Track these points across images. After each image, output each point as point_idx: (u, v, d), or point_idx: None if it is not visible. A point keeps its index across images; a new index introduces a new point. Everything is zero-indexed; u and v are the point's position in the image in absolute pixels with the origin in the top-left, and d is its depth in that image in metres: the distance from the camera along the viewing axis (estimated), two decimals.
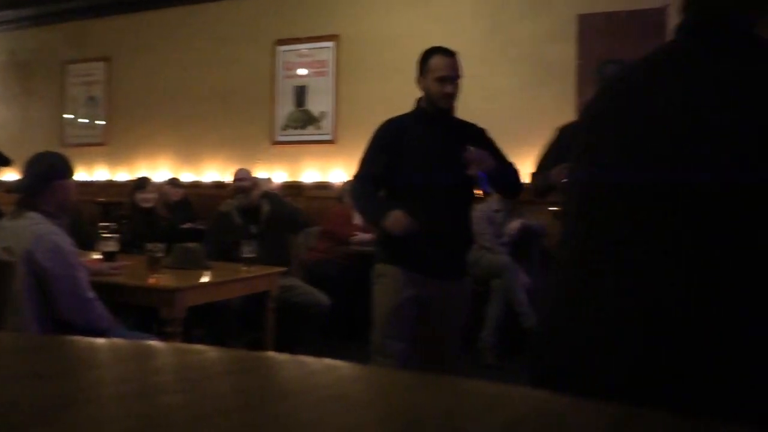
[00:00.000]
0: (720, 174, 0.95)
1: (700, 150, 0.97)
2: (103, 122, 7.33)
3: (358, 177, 2.64)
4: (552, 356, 1.13)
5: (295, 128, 6.25)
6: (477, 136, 2.65)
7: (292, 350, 3.55)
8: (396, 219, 2.40)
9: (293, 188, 6.03)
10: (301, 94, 6.23)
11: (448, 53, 2.53)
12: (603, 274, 1.05)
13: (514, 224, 4.67)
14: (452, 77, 2.50)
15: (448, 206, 2.55)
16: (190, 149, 6.73)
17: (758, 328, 0.97)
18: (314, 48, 6.16)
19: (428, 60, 2.52)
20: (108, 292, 2.72)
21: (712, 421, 0.37)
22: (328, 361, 0.45)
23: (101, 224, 3.60)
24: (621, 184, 1.05)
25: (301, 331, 4.07)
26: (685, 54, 1.06)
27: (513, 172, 2.65)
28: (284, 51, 6.29)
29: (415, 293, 2.53)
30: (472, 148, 2.44)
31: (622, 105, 1.10)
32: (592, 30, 5.25)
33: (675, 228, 0.98)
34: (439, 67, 2.49)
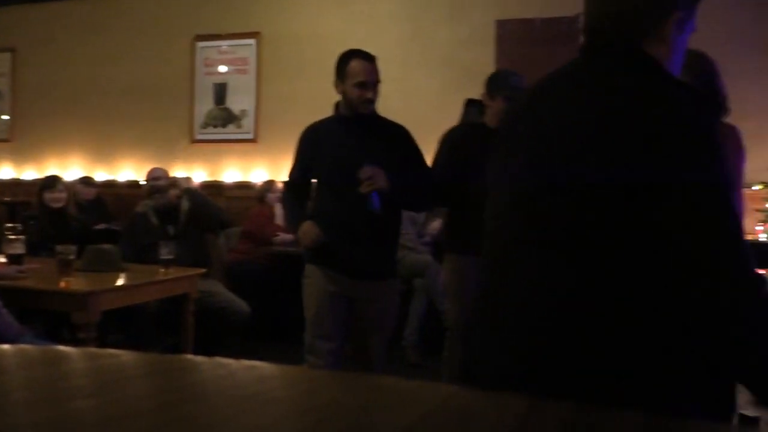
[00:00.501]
0: (601, 177, 1.03)
1: (586, 156, 1.06)
2: (8, 117, 6.94)
3: (285, 184, 2.80)
4: (468, 351, 1.25)
5: (215, 126, 6.12)
6: (399, 137, 2.65)
7: (213, 354, 3.48)
8: (304, 231, 2.53)
9: (213, 188, 5.90)
10: (221, 91, 6.11)
11: (368, 57, 2.50)
12: (508, 271, 1.16)
13: (436, 224, 4.75)
14: (372, 82, 2.49)
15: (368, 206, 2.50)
16: (103, 147, 6.47)
17: (640, 324, 1.06)
18: (235, 45, 6.06)
19: (347, 64, 2.48)
20: (15, 297, 2.59)
21: (606, 409, 0.40)
22: (243, 361, 0.46)
23: (7, 225, 3.42)
24: (522, 187, 1.15)
25: (222, 336, 4.01)
26: (582, 71, 1.18)
27: (425, 185, 2.63)
28: (204, 47, 6.15)
29: (340, 293, 2.55)
30: (366, 167, 2.42)
31: (525, 117, 1.22)
32: (509, 35, 5.42)
33: (566, 228, 1.07)
34: (358, 72, 2.46)
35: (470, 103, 3.01)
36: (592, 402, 0.39)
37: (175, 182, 4.22)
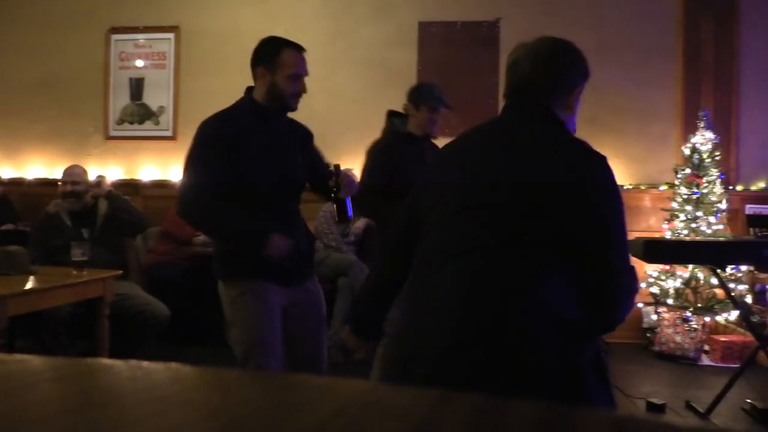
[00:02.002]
0: (535, 195, 1.41)
1: (503, 185, 1.44)
2: None
3: (194, 190, 2.24)
4: (408, 349, 1.43)
5: (132, 123, 5.91)
6: (307, 137, 2.53)
7: (129, 359, 3.37)
8: (279, 244, 2.20)
9: (129, 186, 5.70)
10: (137, 86, 5.91)
11: (300, 48, 2.34)
12: (446, 269, 1.40)
13: (359, 223, 4.78)
14: (303, 75, 2.33)
15: (292, 207, 2.41)
16: (10, 142, 6.13)
17: (550, 323, 1.34)
18: (152, 39, 5.87)
19: (279, 53, 2.28)
20: None
21: (511, 400, 0.42)
22: (156, 363, 0.45)
23: None
24: (449, 204, 1.49)
25: (138, 340, 3.87)
26: (506, 123, 1.59)
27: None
28: (119, 40, 5.92)
29: (282, 305, 2.34)
30: (345, 170, 2.37)
31: (465, 152, 1.60)
32: (431, 37, 5.50)
33: (482, 238, 1.40)
34: (293, 64, 2.28)
35: (393, 115, 3.11)
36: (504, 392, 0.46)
37: (98, 183, 4.05)
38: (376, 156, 2.95)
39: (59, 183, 4.00)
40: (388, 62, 5.41)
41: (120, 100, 5.91)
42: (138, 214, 4.16)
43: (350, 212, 2.45)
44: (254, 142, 2.28)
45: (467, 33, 5.45)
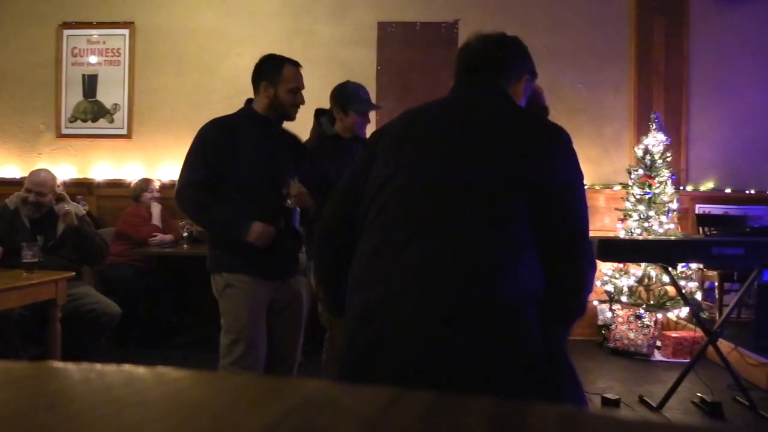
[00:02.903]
0: (501, 175, 1.37)
1: (468, 159, 1.40)
2: None
3: (190, 183, 2.44)
4: (353, 344, 1.35)
5: (85, 120, 5.77)
6: (302, 149, 2.76)
7: (81, 360, 3.28)
8: (261, 232, 2.39)
9: (82, 186, 5.57)
10: (91, 83, 5.77)
11: (298, 65, 2.62)
12: (409, 246, 1.33)
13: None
14: (302, 88, 2.60)
15: (279, 206, 2.55)
16: None
17: (522, 315, 1.31)
18: (106, 35, 5.74)
19: (281, 69, 2.53)
20: None
21: (465, 396, 0.43)
22: (108, 365, 0.44)
23: None
24: (409, 179, 1.41)
25: (90, 340, 3.77)
26: (461, 99, 1.58)
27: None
28: (72, 35, 5.77)
29: (268, 299, 2.53)
30: (295, 182, 2.52)
31: (418, 128, 1.52)
32: (390, 38, 5.52)
33: (454, 214, 1.35)
34: (293, 78, 2.55)
35: (321, 114, 3.10)
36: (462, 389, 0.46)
37: (66, 214, 3.63)
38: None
39: (25, 189, 3.70)
40: (347, 62, 5.40)
41: (73, 97, 5.77)
42: (101, 250, 3.83)
43: (296, 223, 2.61)
44: (251, 147, 2.49)
45: (426, 34, 5.49)
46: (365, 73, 5.36)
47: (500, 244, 1.31)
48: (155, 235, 4.74)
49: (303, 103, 2.61)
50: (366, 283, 1.37)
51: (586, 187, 5.49)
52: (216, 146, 2.45)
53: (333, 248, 1.59)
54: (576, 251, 1.40)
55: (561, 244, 1.38)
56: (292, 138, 2.73)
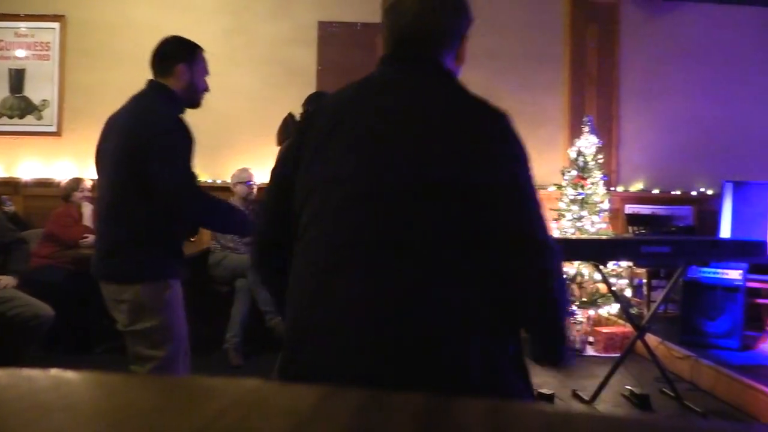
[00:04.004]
0: (442, 175, 1.17)
1: (427, 158, 1.19)
2: None
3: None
4: (299, 352, 1.23)
5: (11, 117, 5.53)
6: None
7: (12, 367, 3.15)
8: None
9: (9, 185, 5.34)
10: (18, 78, 5.54)
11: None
12: (336, 271, 1.19)
13: None
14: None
15: None
16: None
17: (480, 306, 1.18)
18: (35, 28, 5.52)
19: (199, 54, 2.41)
20: None
21: (396, 393, 0.44)
22: (37, 370, 0.43)
23: None
24: (331, 193, 1.23)
25: (21, 344, 3.62)
26: (390, 84, 1.31)
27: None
28: None
29: None
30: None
31: (347, 123, 1.28)
32: (331, 37, 5.52)
33: (413, 223, 1.17)
34: (205, 62, 2.44)
35: (291, 118, 3.04)
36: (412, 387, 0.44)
37: None
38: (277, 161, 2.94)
39: None
40: (287, 61, 5.37)
41: None
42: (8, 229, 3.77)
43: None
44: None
45: (367, 34, 5.50)
46: (306, 72, 5.34)
47: (426, 266, 1.14)
48: (86, 237, 4.58)
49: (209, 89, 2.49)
50: (296, 307, 1.24)
51: None
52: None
53: (269, 266, 1.45)
54: (533, 262, 1.18)
55: (514, 255, 1.18)
56: None
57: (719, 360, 3.98)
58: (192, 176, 2.28)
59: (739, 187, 5.27)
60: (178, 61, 2.35)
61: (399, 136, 1.21)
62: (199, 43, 2.44)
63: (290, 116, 3.10)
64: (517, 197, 1.20)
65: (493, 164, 1.19)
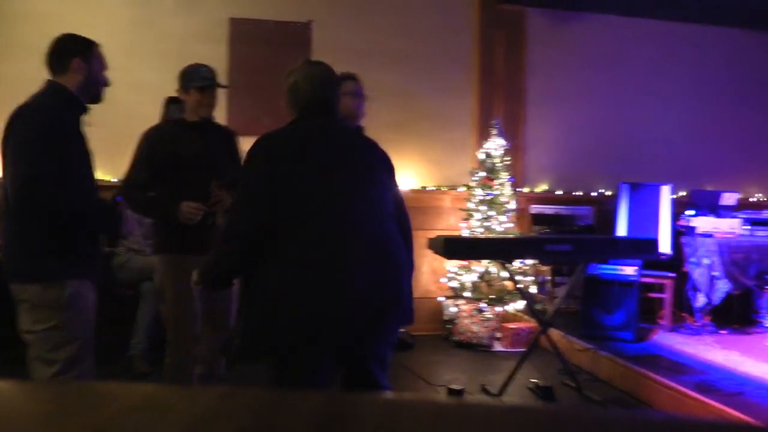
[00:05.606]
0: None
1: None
2: None
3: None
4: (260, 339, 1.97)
5: None
6: None
7: None
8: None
9: None
10: None
11: None
12: (321, 250, 1.94)
13: None
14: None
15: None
16: None
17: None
18: None
19: (92, 46, 2.40)
20: None
21: (295, 393, 0.45)
22: None
23: None
24: (318, 198, 2.00)
25: None
26: (318, 127, 2.14)
27: None
28: None
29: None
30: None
31: (292, 151, 2.06)
32: (243, 35, 5.43)
33: (364, 214, 2.07)
34: (103, 56, 2.45)
35: (171, 101, 2.99)
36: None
37: None
38: (140, 147, 2.86)
39: None
40: (197, 57, 5.13)
41: None
42: None
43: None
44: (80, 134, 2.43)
45: (279, 33, 5.45)
46: (216, 69, 5.21)
47: (389, 221, 2.18)
48: None
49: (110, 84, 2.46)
50: (289, 277, 1.94)
51: (433, 188, 5.70)
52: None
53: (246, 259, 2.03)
54: (409, 226, 2.30)
55: (404, 219, 2.27)
56: None
57: (616, 351, 4.22)
58: (50, 174, 2.16)
59: (635, 189, 5.60)
60: (73, 56, 2.33)
61: (351, 161, 2.10)
62: (103, 35, 2.37)
63: (169, 100, 3.05)
64: (400, 192, 2.27)
65: (393, 175, 2.22)
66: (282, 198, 1.95)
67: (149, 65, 5.17)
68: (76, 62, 2.32)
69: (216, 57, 5.27)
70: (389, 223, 2.09)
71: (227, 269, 2.12)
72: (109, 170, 4.69)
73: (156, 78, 5.12)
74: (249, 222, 1.98)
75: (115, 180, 4.88)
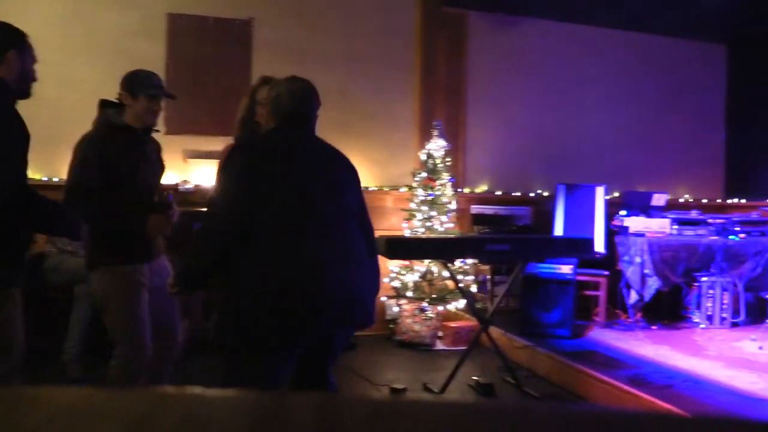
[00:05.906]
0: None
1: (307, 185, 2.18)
2: None
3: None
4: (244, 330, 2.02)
5: None
6: None
7: None
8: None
9: None
10: None
11: None
12: (299, 250, 2.06)
13: None
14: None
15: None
16: None
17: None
18: None
19: (27, 40, 2.27)
20: None
21: (228, 394, 0.45)
22: None
23: None
24: (295, 205, 2.11)
25: None
26: (295, 136, 2.27)
27: None
28: None
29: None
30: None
31: (271, 156, 2.18)
32: (181, 31, 5.31)
33: (337, 219, 2.21)
34: (34, 50, 2.33)
35: (106, 105, 2.81)
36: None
37: None
38: (87, 151, 2.65)
39: None
40: (133, 53, 5.08)
41: None
42: None
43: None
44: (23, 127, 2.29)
45: (220, 29, 5.37)
46: (154, 66, 5.01)
47: (355, 234, 2.31)
48: None
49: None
50: (268, 277, 2.03)
51: (375, 189, 5.71)
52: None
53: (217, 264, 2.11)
54: (373, 237, 2.46)
55: (369, 227, 2.43)
56: None
57: (554, 348, 4.33)
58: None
59: (571, 190, 5.76)
60: (8, 48, 2.19)
61: (324, 169, 2.23)
62: (31, 27, 2.26)
63: (102, 102, 2.86)
64: (364, 201, 2.38)
65: (359, 182, 2.37)
66: (260, 200, 2.05)
67: (81, 61, 5.00)
68: (11, 55, 2.20)
69: (153, 53, 5.15)
70: (355, 227, 2.26)
71: (204, 270, 2.16)
72: (36, 169, 4.51)
73: (88, 74, 4.96)
74: (228, 222, 2.05)
75: (46, 179, 4.70)
